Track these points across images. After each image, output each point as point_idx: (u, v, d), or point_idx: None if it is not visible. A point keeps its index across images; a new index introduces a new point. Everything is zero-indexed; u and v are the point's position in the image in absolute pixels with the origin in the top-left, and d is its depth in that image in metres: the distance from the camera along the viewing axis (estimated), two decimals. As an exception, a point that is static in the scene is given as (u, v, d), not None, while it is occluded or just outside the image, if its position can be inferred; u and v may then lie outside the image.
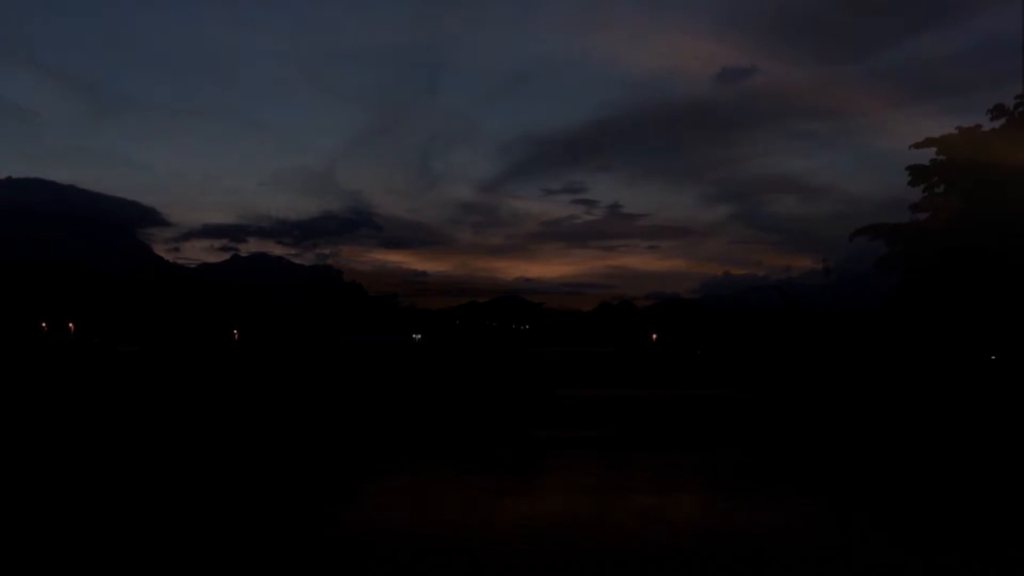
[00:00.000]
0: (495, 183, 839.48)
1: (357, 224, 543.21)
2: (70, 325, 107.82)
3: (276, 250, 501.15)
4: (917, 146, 31.23)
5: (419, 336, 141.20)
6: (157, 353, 70.31)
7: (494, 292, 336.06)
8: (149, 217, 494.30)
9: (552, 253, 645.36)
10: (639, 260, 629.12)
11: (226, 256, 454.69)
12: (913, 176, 31.91)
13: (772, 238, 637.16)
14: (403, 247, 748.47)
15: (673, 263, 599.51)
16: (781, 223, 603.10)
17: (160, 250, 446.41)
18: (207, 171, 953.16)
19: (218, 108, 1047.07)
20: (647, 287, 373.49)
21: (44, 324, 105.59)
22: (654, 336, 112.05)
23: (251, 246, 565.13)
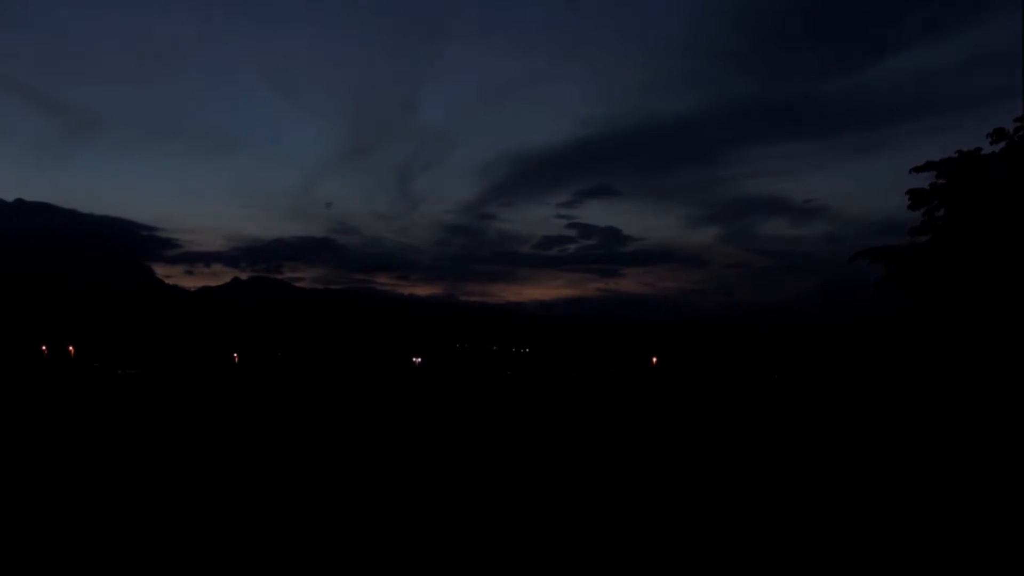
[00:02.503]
0: (478, 203, 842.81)
1: (343, 246, 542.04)
2: (70, 348, 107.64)
3: (263, 272, 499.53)
4: (916, 170, 31.54)
5: (419, 360, 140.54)
6: (167, 376, 70.08)
7: (486, 315, 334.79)
8: (139, 238, 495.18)
9: (544, 276, 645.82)
10: (632, 283, 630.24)
11: (226, 279, 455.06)
12: (913, 200, 32.14)
13: (765, 260, 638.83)
14: (389, 268, 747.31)
15: (665, 286, 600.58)
16: (773, 244, 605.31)
17: (151, 271, 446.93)
18: (187, 193, 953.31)
19: (199, 129, 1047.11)
20: (642, 310, 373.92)
21: (44, 347, 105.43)
22: (654, 359, 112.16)
23: (242, 270, 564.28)
